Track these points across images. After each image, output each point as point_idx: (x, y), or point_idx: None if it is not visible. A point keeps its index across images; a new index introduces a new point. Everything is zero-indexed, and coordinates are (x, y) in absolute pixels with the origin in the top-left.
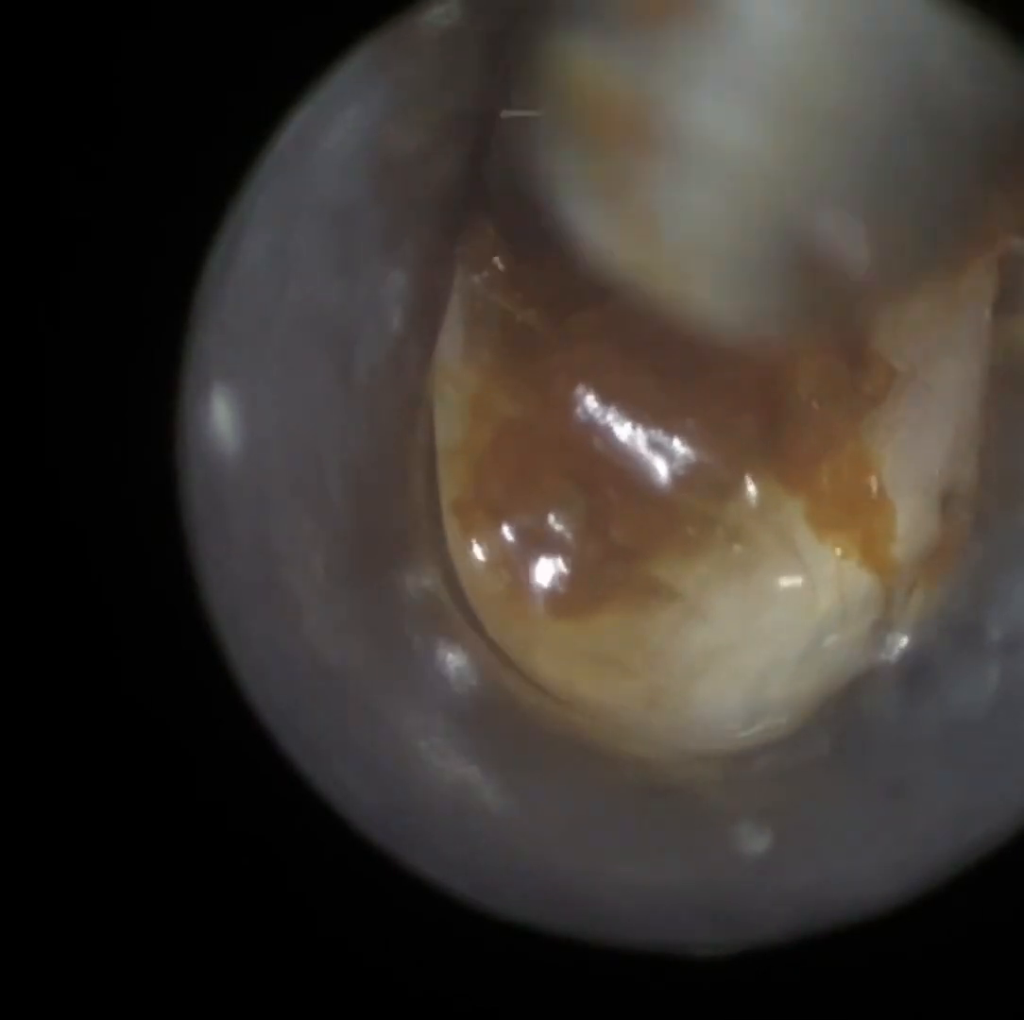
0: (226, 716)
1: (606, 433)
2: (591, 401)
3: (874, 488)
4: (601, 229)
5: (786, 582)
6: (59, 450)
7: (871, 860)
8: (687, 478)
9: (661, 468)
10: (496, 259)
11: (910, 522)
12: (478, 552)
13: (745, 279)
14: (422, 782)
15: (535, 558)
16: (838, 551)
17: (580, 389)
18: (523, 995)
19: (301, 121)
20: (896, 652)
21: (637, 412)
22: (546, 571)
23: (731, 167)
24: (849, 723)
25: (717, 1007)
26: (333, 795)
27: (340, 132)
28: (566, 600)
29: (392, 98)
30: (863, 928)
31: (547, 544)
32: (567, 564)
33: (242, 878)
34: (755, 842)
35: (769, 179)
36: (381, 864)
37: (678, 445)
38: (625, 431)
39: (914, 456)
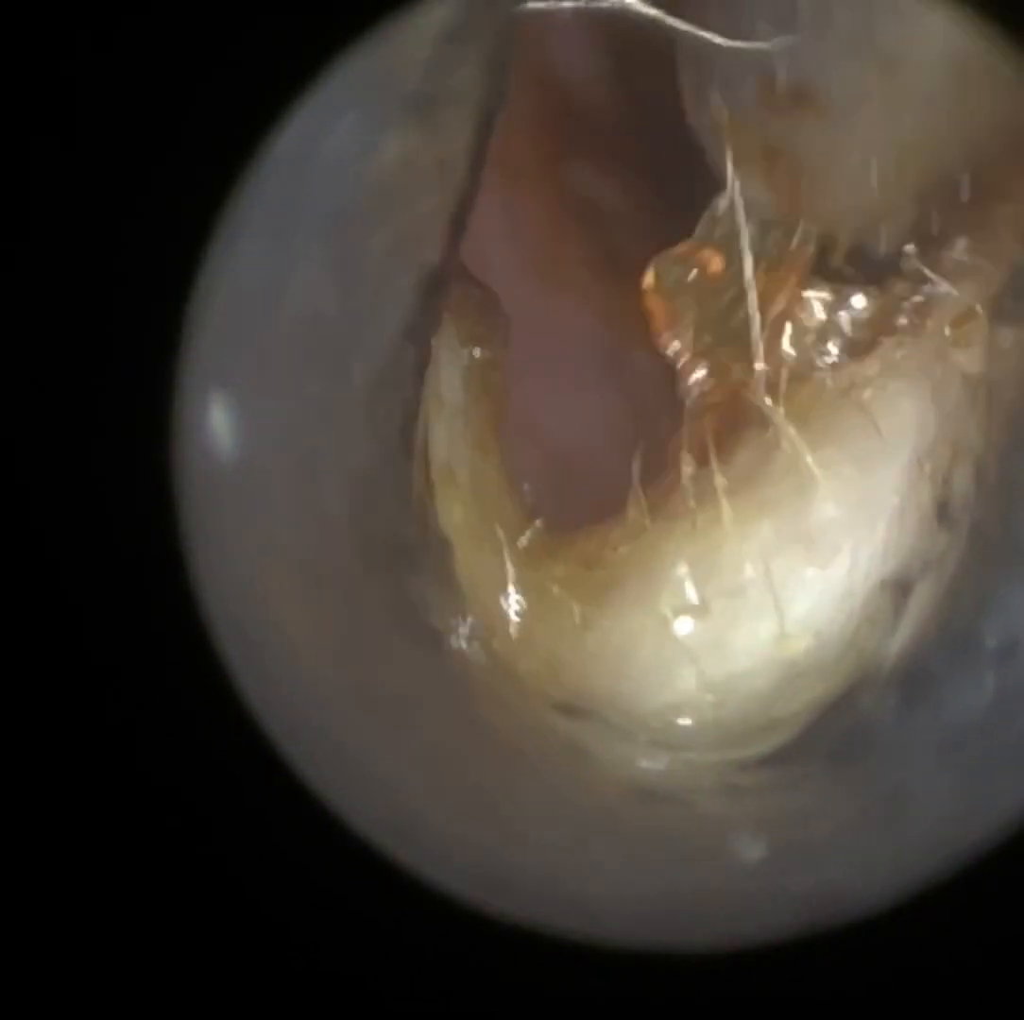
0: (226, 719)
1: None
2: None
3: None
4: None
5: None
6: (55, 457)
7: (868, 867)
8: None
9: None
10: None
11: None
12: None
13: None
14: (421, 786)
15: None
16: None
17: None
18: (523, 995)
19: (298, 127)
20: (892, 659)
21: None
22: None
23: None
24: (846, 730)
25: (717, 1007)
26: (332, 798)
27: (338, 139)
28: None
29: (390, 104)
30: (861, 928)
31: None
32: None
33: (242, 879)
34: (752, 849)
35: None
36: (380, 865)
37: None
38: None
39: (858, 494)
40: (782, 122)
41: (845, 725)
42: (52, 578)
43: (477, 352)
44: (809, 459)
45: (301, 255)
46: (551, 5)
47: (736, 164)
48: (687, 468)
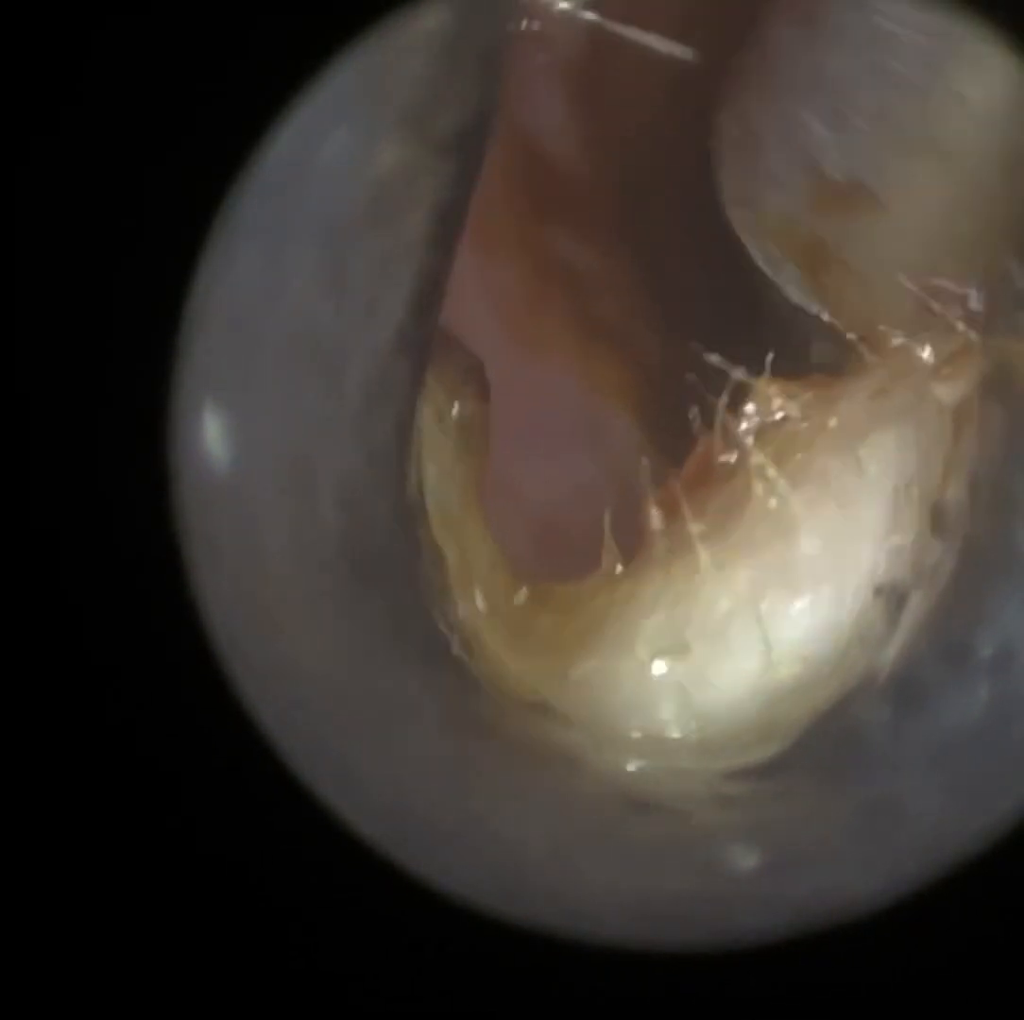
0: (225, 723)
1: None
2: None
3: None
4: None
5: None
6: (49, 466)
7: (861, 877)
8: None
9: None
10: None
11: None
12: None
13: None
14: (408, 795)
15: None
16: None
17: None
18: (523, 995)
19: (292, 137)
20: (885, 669)
21: None
22: None
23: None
24: (839, 740)
25: (717, 1007)
26: (332, 800)
27: (332, 149)
28: None
29: (385, 115)
30: (860, 927)
31: None
32: None
33: (242, 879)
34: (744, 859)
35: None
36: (380, 865)
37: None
38: None
39: (842, 528)
40: (832, 220)
41: (838, 734)
42: (50, 587)
43: (456, 410)
44: (790, 499)
45: (294, 266)
46: (547, 9)
47: (778, 265)
48: (656, 517)
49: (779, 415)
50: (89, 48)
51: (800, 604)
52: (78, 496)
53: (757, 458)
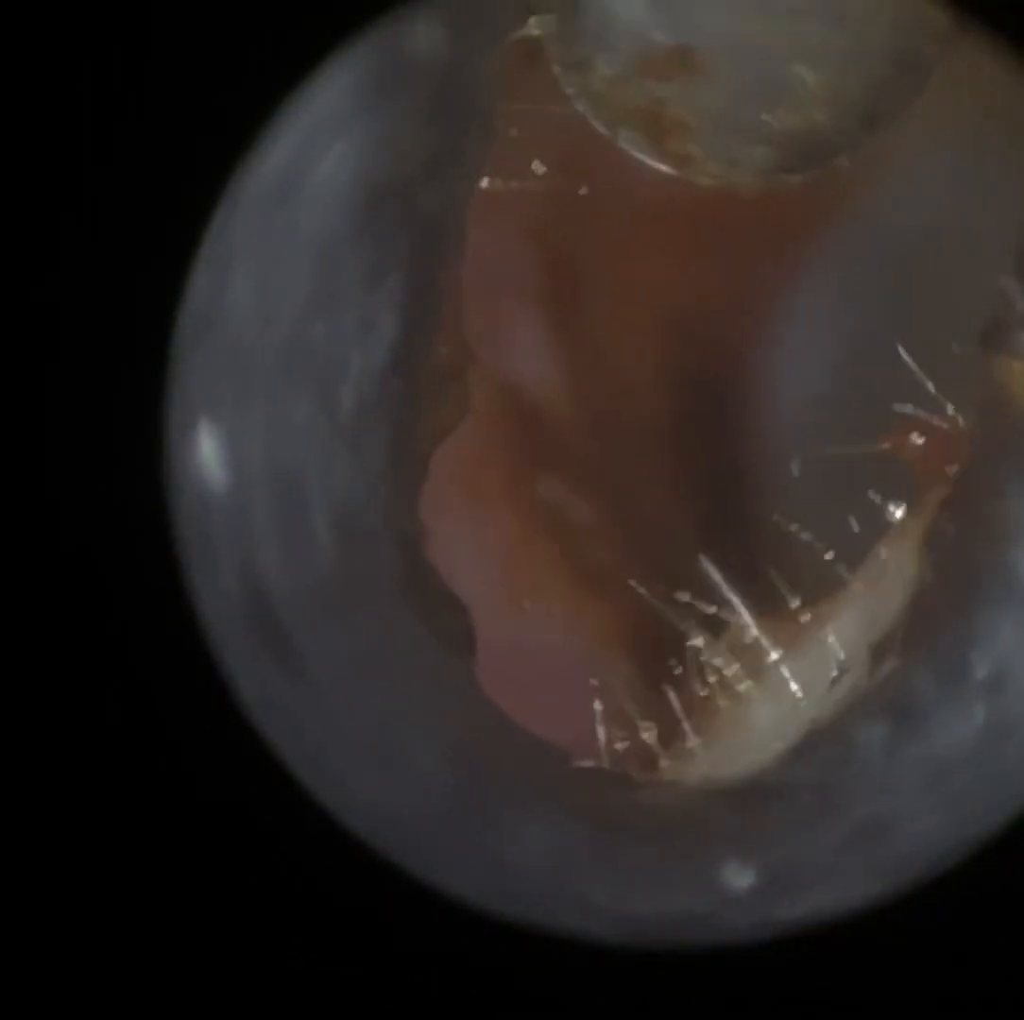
0: (225, 723)
1: None
2: None
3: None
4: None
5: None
6: (46, 484)
7: (855, 896)
8: None
9: None
10: None
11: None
12: None
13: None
14: (406, 810)
15: None
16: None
17: None
18: (523, 995)
19: (286, 155)
20: (882, 685)
21: None
22: None
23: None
24: (835, 760)
25: (716, 1007)
26: (332, 803)
27: (326, 166)
28: None
29: (378, 133)
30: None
31: None
32: None
33: (242, 880)
34: (739, 877)
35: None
36: (380, 865)
37: None
38: None
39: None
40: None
41: (833, 754)
42: (48, 601)
43: None
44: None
45: (287, 284)
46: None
47: (614, 129)
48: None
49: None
50: (85, 56)
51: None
52: (74, 512)
53: (730, 672)
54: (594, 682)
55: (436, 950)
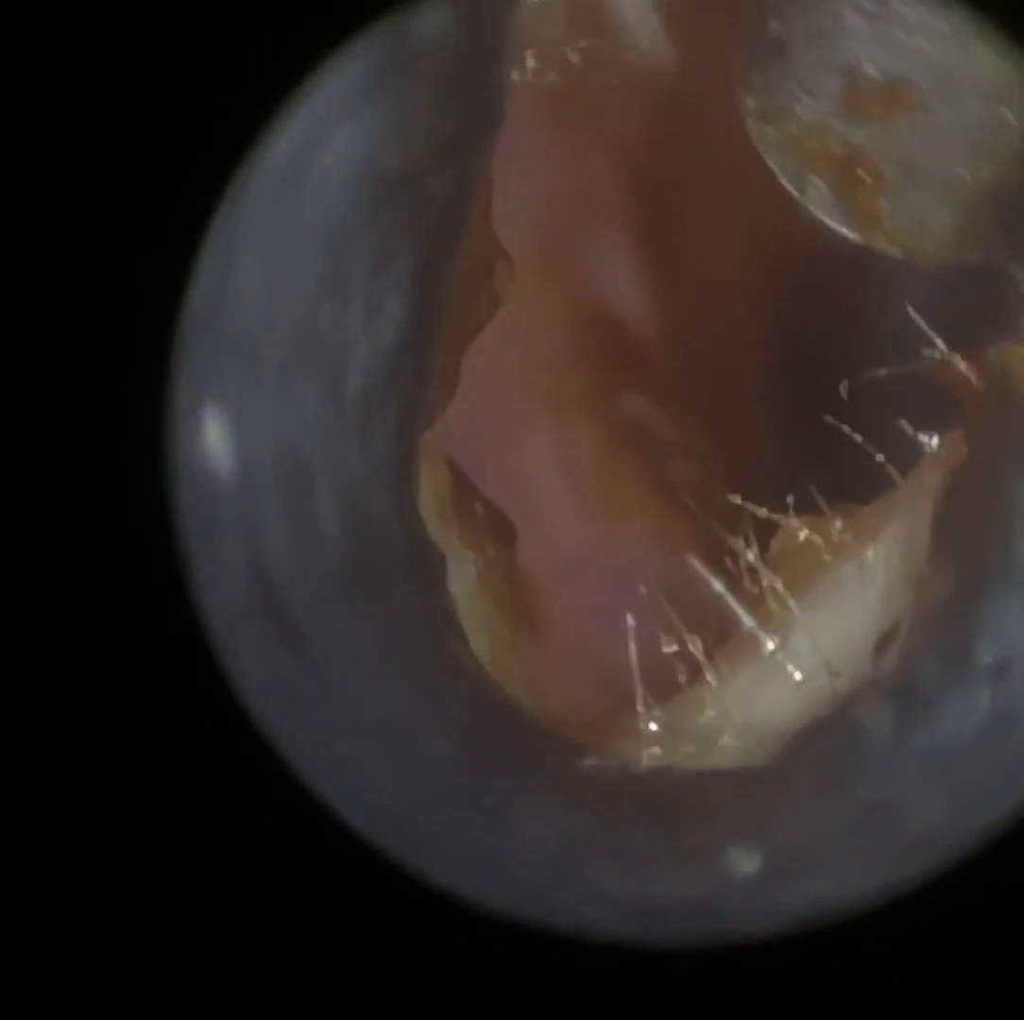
0: (225, 723)
1: None
2: None
3: None
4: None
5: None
6: (51, 471)
7: (860, 881)
8: None
9: None
10: None
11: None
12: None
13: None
14: (414, 795)
15: None
16: None
17: None
18: (523, 995)
19: (293, 141)
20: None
21: None
22: None
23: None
24: (840, 746)
25: (716, 1007)
26: (333, 801)
27: (334, 152)
28: None
29: (386, 118)
30: (857, 927)
31: None
32: None
33: (242, 880)
34: (745, 863)
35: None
36: (380, 865)
37: None
38: None
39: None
40: (868, 125)
41: (839, 740)
42: (49, 589)
43: (490, 552)
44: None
45: (294, 268)
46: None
47: (801, 180)
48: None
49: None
50: (87, 52)
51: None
52: (79, 498)
53: (776, 582)
54: (643, 591)
55: (436, 951)
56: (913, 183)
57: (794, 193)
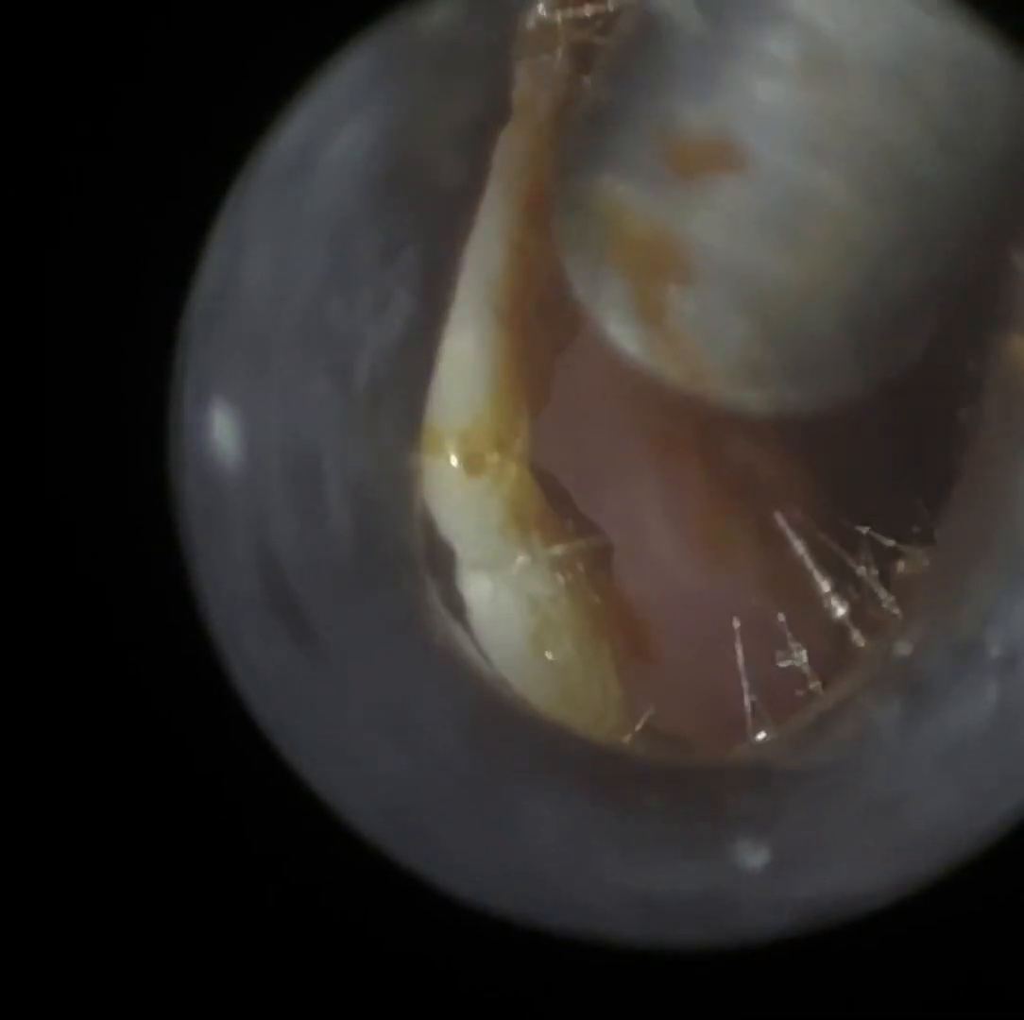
0: (225, 722)
1: None
2: None
3: None
4: (637, 343)
5: None
6: (55, 464)
7: (869, 875)
8: None
9: None
10: None
11: None
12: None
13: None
14: (420, 789)
15: None
16: None
17: None
18: (523, 995)
19: (301, 132)
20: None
21: None
22: None
23: (751, 289)
24: (848, 737)
25: (716, 1007)
26: (334, 799)
27: (342, 144)
28: None
29: (394, 110)
30: (858, 927)
31: None
32: None
33: (242, 880)
34: (754, 856)
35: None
36: (381, 864)
37: None
38: None
39: None
40: (681, 197)
41: (848, 732)
42: (50, 584)
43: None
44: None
45: (302, 260)
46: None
47: (603, 280)
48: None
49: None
50: (97, 42)
51: None
52: (84, 494)
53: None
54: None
55: (436, 951)
56: (712, 275)
57: (585, 302)
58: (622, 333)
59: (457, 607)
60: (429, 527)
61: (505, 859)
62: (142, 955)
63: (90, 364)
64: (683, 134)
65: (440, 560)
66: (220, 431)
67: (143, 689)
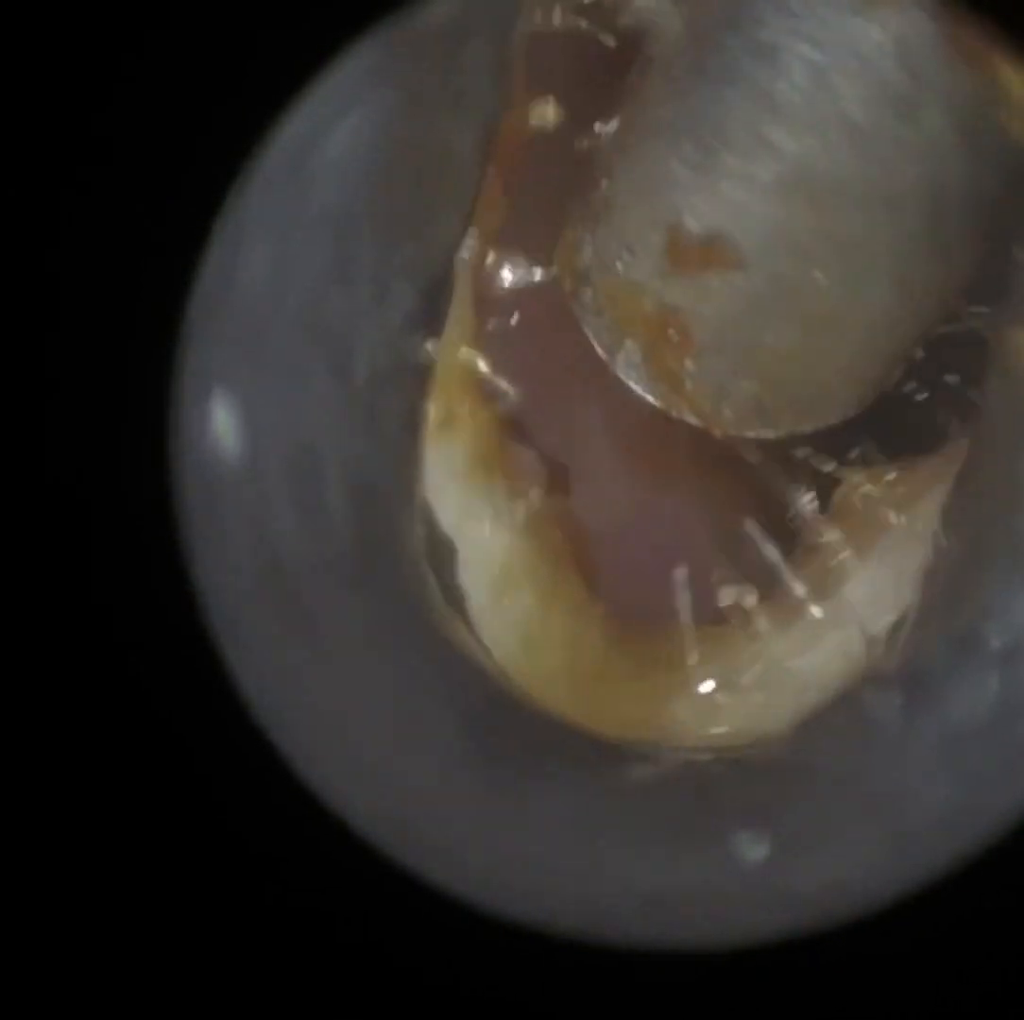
0: (225, 720)
1: None
2: None
3: None
4: (652, 396)
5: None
6: (55, 460)
7: (870, 868)
8: None
9: None
10: None
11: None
12: None
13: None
14: (423, 783)
15: None
16: None
17: None
18: (523, 995)
19: (301, 126)
20: (895, 659)
21: None
22: None
23: (753, 358)
24: (849, 732)
25: (717, 1007)
26: (333, 798)
27: (341, 138)
28: None
29: (394, 104)
30: (859, 926)
31: None
32: None
33: (242, 880)
34: (754, 850)
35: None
36: (381, 864)
37: None
38: None
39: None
40: (684, 284)
41: (848, 725)
42: (50, 580)
43: (534, 496)
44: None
45: (302, 253)
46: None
47: (615, 343)
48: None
49: (863, 495)
50: (98, 38)
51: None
52: (84, 489)
53: (834, 536)
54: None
55: (436, 951)
56: (718, 347)
57: (604, 356)
58: (638, 387)
59: (458, 601)
60: (429, 520)
61: (506, 855)
62: (142, 955)
63: (90, 360)
64: (684, 235)
65: (440, 554)
66: (221, 425)
67: (142, 684)
